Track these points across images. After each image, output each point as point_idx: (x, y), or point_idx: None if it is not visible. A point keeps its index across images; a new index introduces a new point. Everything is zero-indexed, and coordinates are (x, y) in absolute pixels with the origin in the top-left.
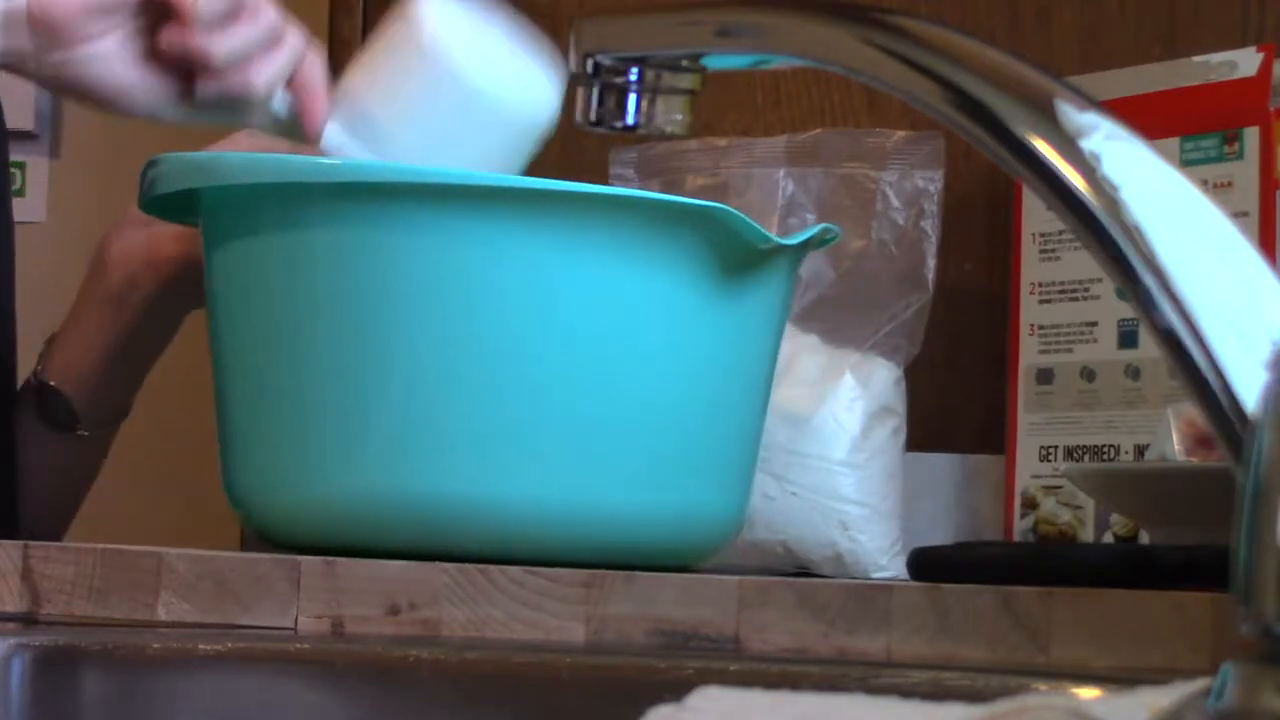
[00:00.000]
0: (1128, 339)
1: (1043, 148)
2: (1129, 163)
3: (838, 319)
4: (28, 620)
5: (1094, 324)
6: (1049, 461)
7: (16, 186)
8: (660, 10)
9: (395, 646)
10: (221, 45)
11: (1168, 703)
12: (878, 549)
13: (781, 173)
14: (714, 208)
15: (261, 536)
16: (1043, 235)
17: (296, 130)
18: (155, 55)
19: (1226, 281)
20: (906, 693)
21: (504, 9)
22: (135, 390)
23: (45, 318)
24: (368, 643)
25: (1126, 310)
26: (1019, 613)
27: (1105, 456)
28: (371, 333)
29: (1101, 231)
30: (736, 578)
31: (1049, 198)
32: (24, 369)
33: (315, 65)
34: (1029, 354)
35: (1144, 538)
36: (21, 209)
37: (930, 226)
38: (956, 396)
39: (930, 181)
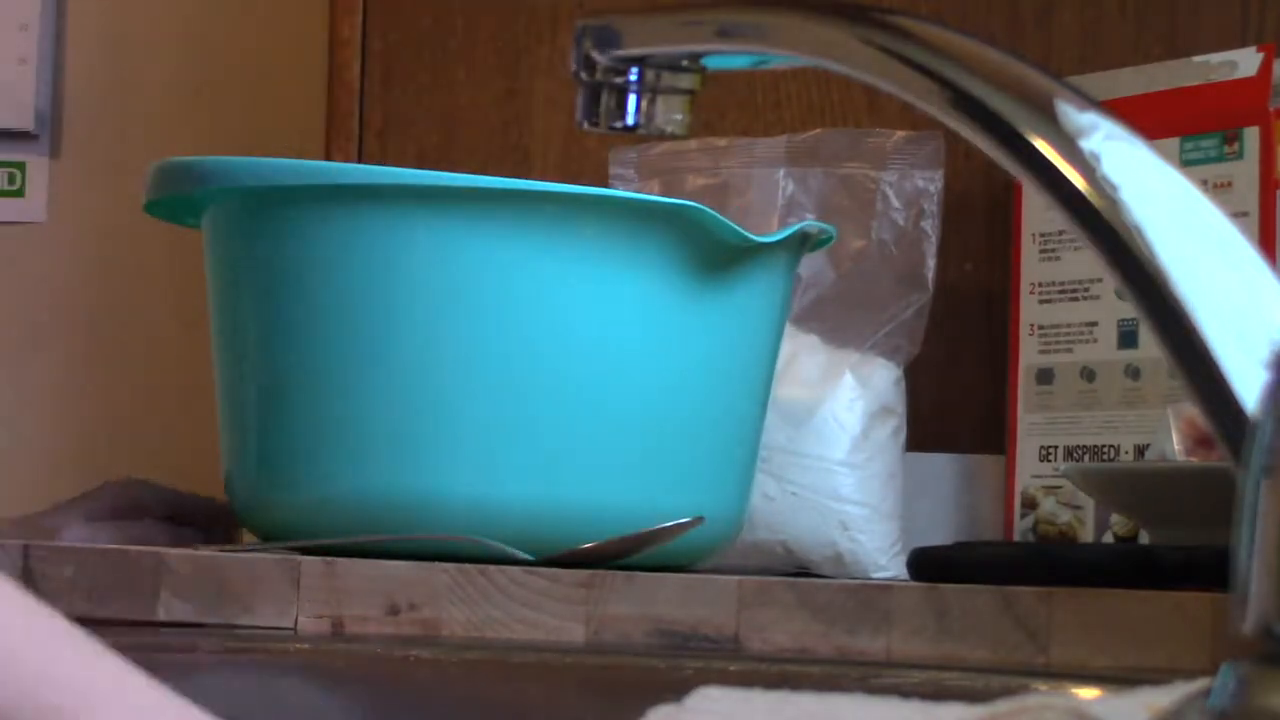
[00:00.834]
0: (1128, 339)
1: (1043, 148)
2: (1129, 163)
3: (838, 319)
4: None
5: (1094, 324)
6: (1049, 461)
7: (16, 187)
8: (660, 10)
9: (395, 646)
10: None
11: (1168, 703)
12: (878, 549)
13: (781, 173)
14: (686, 206)
15: (262, 536)
16: (1043, 235)
17: None
18: None
19: (1226, 281)
20: (906, 693)
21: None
22: None
23: (45, 317)
24: (368, 643)
25: (1126, 310)
26: (1019, 613)
27: (1105, 456)
28: (367, 334)
29: (1101, 231)
30: (736, 578)
31: (1049, 198)
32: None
33: None
34: (1029, 354)
35: (1144, 538)
36: (21, 209)
37: (930, 226)
38: (956, 396)
39: (930, 181)
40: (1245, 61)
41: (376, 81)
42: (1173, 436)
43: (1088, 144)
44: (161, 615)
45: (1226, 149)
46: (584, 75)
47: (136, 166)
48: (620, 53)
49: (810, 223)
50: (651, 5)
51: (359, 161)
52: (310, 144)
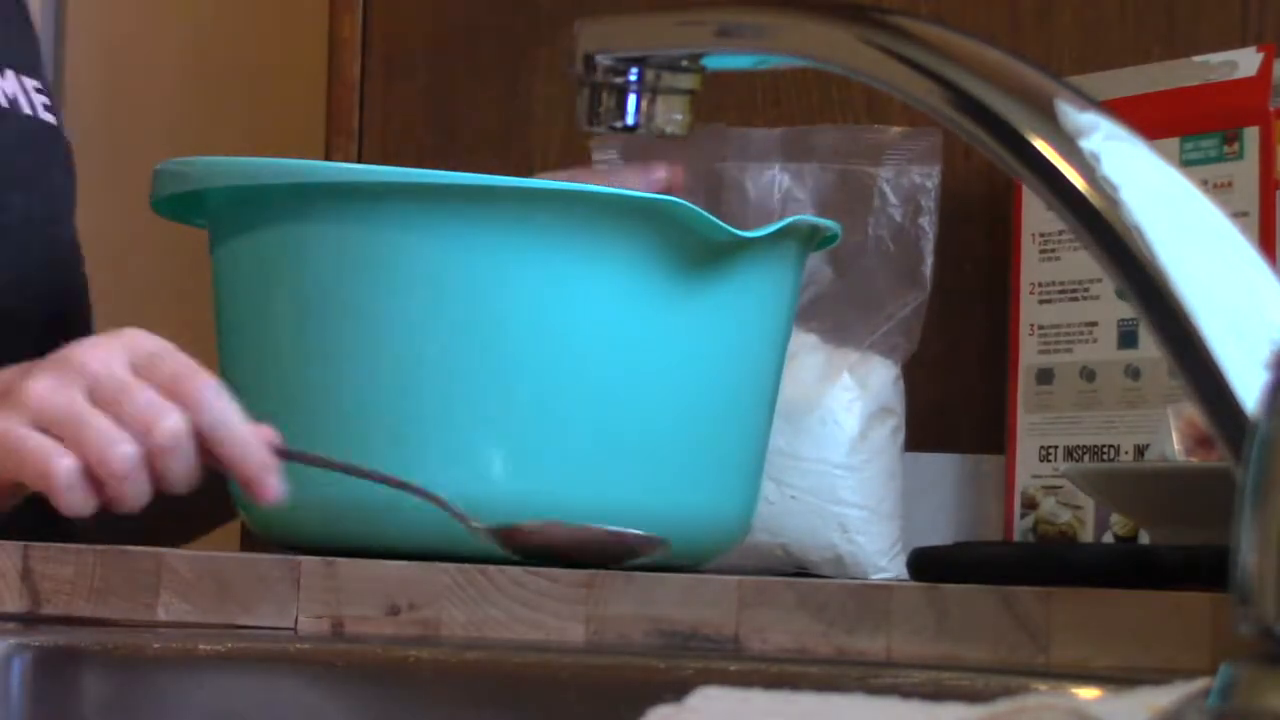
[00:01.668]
0: (1128, 339)
1: (1043, 148)
2: (1129, 163)
3: (835, 317)
4: (28, 620)
5: (1094, 324)
6: (1049, 461)
7: None
8: (660, 10)
9: (395, 646)
10: (124, 495)
11: (1168, 703)
12: (878, 551)
13: (777, 167)
14: (664, 200)
15: (262, 536)
16: (1043, 235)
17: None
18: None
19: (1226, 281)
20: (906, 693)
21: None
22: None
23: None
24: (368, 643)
25: (1126, 310)
26: (1019, 613)
27: (1105, 456)
28: (367, 332)
29: (1101, 231)
30: (736, 578)
31: (1049, 198)
32: None
33: (222, 426)
34: (1029, 354)
35: (1144, 538)
36: None
37: (928, 223)
38: (956, 396)
39: (927, 177)
40: (1245, 61)
41: (377, 81)
42: (1173, 436)
43: (1088, 144)
44: (161, 615)
45: (1226, 149)
46: (584, 75)
47: (136, 166)
48: (620, 53)
49: (802, 217)
50: (651, 5)
51: (359, 161)
52: (311, 144)
